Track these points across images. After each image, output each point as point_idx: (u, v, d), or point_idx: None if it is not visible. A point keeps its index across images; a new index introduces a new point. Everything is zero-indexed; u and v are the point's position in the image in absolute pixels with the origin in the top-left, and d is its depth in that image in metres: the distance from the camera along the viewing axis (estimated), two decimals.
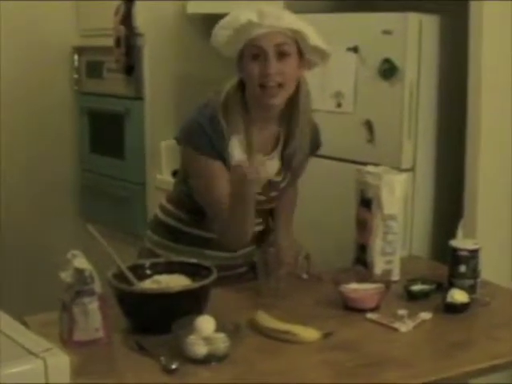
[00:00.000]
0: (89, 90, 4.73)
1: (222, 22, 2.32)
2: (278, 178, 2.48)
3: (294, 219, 2.70)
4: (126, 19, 4.14)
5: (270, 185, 2.45)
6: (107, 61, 4.43)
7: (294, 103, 2.37)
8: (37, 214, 4.74)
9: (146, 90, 4.23)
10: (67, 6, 4.66)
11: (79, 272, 1.97)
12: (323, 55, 2.37)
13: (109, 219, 4.51)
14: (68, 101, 4.82)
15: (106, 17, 4.23)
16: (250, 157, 2.31)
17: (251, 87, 2.30)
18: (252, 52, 2.25)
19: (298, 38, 2.28)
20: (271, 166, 2.41)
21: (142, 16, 4.17)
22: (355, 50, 3.16)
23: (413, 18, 3.02)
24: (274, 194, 2.48)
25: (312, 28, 2.30)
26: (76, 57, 4.75)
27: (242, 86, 2.36)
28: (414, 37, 3.02)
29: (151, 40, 4.19)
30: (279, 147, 2.45)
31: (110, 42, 4.24)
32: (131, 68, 4.21)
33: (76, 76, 4.78)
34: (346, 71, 3.19)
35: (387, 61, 3.05)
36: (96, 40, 4.51)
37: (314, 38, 2.30)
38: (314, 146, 2.57)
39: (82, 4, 4.64)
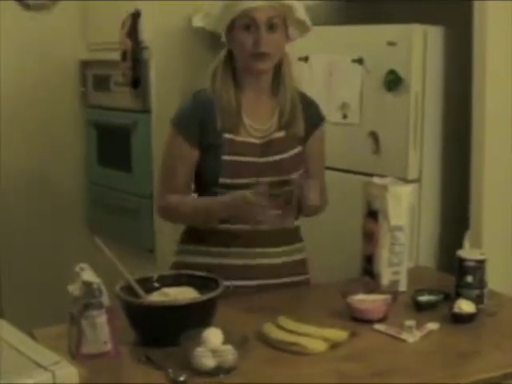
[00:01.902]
0: (96, 104, 4.74)
1: None
2: (280, 134, 2.50)
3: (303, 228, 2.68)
4: (132, 33, 4.16)
5: (272, 144, 2.48)
6: (114, 74, 4.44)
7: (279, 75, 2.51)
8: (45, 227, 4.75)
9: (153, 103, 4.23)
10: (75, 19, 4.70)
11: (87, 285, 1.97)
12: (303, 28, 2.50)
13: (117, 232, 4.52)
14: (75, 114, 4.84)
15: (113, 30, 4.24)
16: (238, 123, 2.46)
17: (242, 55, 2.43)
18: (245, 23, 2.39)
19: (286, 12, 2.42)
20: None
21: (147, 29, 4.18)
22: (360, 61, 3.18)
23: (417, 29, 3.03)
24: (278, 156, 2.49)
25: (299, 2, 2.45)
26: (83, 70, 4.76)
27: (230, 57, 2.48)
28: (419, 48, 3.04)
29: (157, 53, 4.20)
30: (275, 118, 2.51)
31: (117, 55, 4.25)
32: (138, 81, 4.21)
33: (83, 89, 4.79)
34: (352, 83, 3.21)
35: (392, 72, 3.07)
36: (103, 54, 4.53)
37: (301, 11, 2.45)
38: (317, 119, 2.61)
39: (89, 18, 4.68)
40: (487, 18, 2.86)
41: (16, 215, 4.63)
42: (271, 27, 2.39)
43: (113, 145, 4.62)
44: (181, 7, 4.21)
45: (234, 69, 2.47)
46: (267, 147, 2.48)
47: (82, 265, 2.02)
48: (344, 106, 3.26)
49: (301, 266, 2.64)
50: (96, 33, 4.62)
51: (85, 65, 4.75)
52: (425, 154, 3.12)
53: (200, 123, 2.45)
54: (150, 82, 4.21)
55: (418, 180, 3.11)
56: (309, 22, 2.49)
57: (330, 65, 3.27)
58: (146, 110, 4.27)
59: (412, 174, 3.09)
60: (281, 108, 2.51)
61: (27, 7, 4.56)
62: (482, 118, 2.92)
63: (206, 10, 2.54)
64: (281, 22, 2.41)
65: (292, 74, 2.53)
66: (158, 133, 4.19)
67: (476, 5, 2.89)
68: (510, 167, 3.03)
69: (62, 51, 4.71)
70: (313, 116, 2.58)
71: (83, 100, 4.82)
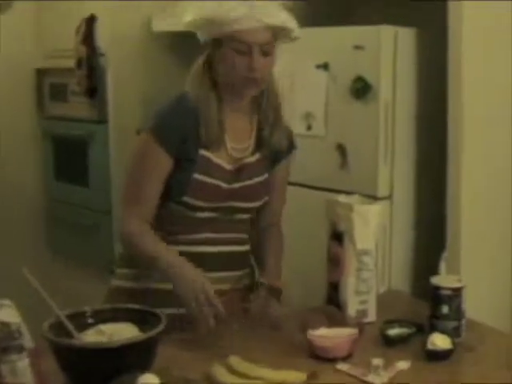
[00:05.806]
0: (52, 114, 4.74)
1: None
2: (252, 159, 2.43)
3: None
4: (88, 38, 4.14)
5: (243, 169, 2.41)
6: (71, 83, 4.40)
7: (262, 93, 2.44)
8: (2, 243, 4.66)
9: (110, 112, 4.19)
10: (29, 25, 4.68)
11: (5, 326, 1.80)
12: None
13: (75, 249, 4.55)
14: (31, 126, 4.83)
15: (70, 36, 4.18)
16: (220, 141, 2.36)
17: (233, 78, 2.34)
18: (238, 47, 2.30)
19: (281, 33, 2.35)
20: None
21: (104, 35, 4.13)
22: (325, 67, 3.12)
23: (387, 31, 2.97)
24: (246, 183, 2.40)
25: (292, 19, 2.37)
26: (38, 79, 4.72)
27: (209, 66, 2.39)
28: (389, 52, 2.97)
29: (114, 60, 4.17)
30: (253, 137, 2.45)
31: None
32: (94, 90, 4.19)
33: (39, 99, 4.75)
34: (316, 90, 3.15)
35: (360, 78, 2.99)
36: (60, 61, 4.47)
37: (297, 30, 2.38)
38: (289, 148, 2.54)
39: (44, 23, 4.63)
40: (462, 18, 2.82)
41: None
42: (264, 52, 2.31)
43: (69, 158, 4.60)
44: (139, 11, 4.18)
45: (214, 81, 2.37)
46: (237, 173, 2.39)
47: (3, 301, 1.86)
48: (308, 116, 3.18)
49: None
50: (52, 39, 4.57)
51: (41, 73, 4.73)
52: (396, 169, 3.05)
53: (182, 134, 2.32)
54: (107, 91, 4.17)
55: (388, 197, 3.05)
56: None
57: (292, 71, 3.20)
58: (103, 121, 4.23)
59: (382, 190, 3.02)
60: (260, 127, 2.44)
61: None
62: (458, 126, 2.86)
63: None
64: (274, 48, 2.35)
65: (278, 93, 2.47)
66: (116, 144, 4.20)
67: (451, 5, 2.84)
68: (488, 181, 2.98)
69: (16, 58, 4.66)
70: (287, 144, 2.52)
71: (39, 110, 4.79)
